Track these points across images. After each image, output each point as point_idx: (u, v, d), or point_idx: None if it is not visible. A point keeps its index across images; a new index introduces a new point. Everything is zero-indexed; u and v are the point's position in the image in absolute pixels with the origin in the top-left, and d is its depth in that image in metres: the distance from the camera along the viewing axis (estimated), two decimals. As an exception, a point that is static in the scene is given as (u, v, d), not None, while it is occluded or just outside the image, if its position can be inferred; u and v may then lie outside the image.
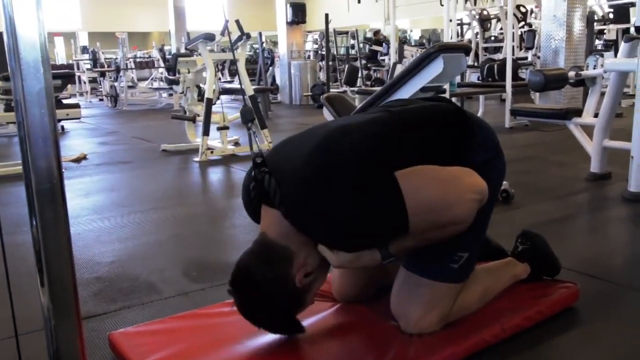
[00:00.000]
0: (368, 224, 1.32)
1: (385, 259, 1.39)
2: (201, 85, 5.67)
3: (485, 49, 9.45)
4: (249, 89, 5.31)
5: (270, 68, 11.00)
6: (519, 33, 9.07)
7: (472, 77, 8.57)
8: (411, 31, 20.21)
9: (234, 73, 11.36)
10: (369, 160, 1.35)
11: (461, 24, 12.02)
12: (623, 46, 3.47)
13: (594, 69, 3.84)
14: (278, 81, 10.85)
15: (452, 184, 1.40)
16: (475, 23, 9.49)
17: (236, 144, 5.49)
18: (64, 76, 5.72)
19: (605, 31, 9.82)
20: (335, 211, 1.30)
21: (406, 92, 2.33)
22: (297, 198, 1.33)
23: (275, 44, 12.72)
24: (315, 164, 1.35)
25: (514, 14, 7.91)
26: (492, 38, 10.06)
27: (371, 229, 1.33)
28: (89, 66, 12.31)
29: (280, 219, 1.36)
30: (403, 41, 12.39)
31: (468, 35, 11.23)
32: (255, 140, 1.55)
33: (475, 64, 8.66)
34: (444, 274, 1.52)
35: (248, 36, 5.33)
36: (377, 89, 3.07)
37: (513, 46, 7.32)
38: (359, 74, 9.89)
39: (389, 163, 1.36)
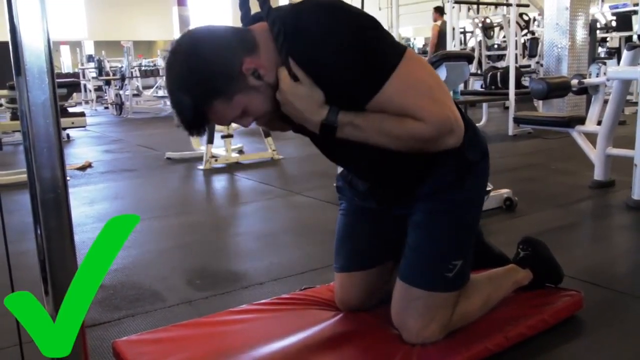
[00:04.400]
0: (355, 52, 1.24)
1: (327, 120, 1.29)
2: (205, 94, 5.68)
3: (489, 57, 9.45)
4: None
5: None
6: (522, 41, 9.08)
7: (475, 85, 8.57)
8: (414, 39, 20.25)
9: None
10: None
11: (464, 32, 12.03)
12: (626, 54, 3.48)
13: (597, 77, 3.84)
14: (282, 89, 10.84)
15: (445, 95, 1.34)
16: (478, 31, 9.50)
17: (240, 152, 5.50)
18: (70, 85, 5.74)
19: (608, 39, 9.84)
20: (330, 25, 1.24)
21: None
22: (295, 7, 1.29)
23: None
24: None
25: (517, 22, 7.91)
26: (495, 46, 10.06)
27: (353, 59, 1.25)
28: (94, 74, 12.37)
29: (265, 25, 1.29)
30: (406, 49, 12.38)
31: (471, 43, 11.24)
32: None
33: (479, 71, 8.66)
34: (439, 284, 1.51)
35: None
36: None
37: (516, 54, 7.33)
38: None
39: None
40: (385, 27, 1.38)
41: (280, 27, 1.26)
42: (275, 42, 1.27)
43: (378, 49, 1.28)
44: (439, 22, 8.16)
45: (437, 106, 1.29)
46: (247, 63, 1.26)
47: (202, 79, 1.24)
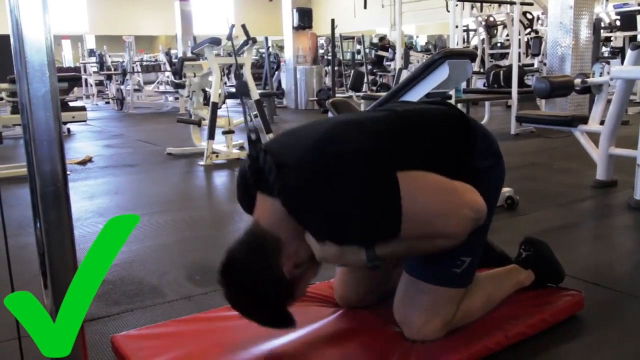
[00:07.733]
0: (361, 218, 1.30)
1: (370, 261, 1.36)
2: (207, 89, 5.69)
3: (492, 56, 9.43)
4: (255, 93, 5.32)
5: (276, 73, 11.02)
6: (525, 40, 9.06)
7: (478, 83, 8.56)
8: (417, 37, 20.20)
9: (240, 77, 11.36)
10: (372, 155, 1.34)
11: (467, 30, 12.00)
12: (629, 54, 3.46)
13: (600, 76, 3.83)
14: (284, 86, 10.86)
15: (451, 196, 1.39)
16: (481, 29, 9.48)
17: (241, 148, 5.49)
18: (71, 79, 5.73)
19: (612, 38, 9.80)
20: (331, 202, 1.29)
21: (412, 98, 2.34)
22: (296, 183, 1.31)
23: (281, 48, 12.74)
24: (318, 153, 1.34)
25: (521, 21, 7.89)
26: (499, 44, 10.05)
27: (362, 225, 1.31)
28: (95, 69, 12.35)
29: (274, 206, 1.33)
30: (409, 47, 12.39)
31: (474, 41, 11.22)
32: (250, 114, 1.54)
33: (481, 70, 8.64)
34: (446, 279, 1.51)
35: (254, 41, 5.35)
36: (383, 94, 3.08)
37: (519, 53, 7.32)
38: (365, 80, 9.89)
39: (391, 161, 1.35)
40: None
41: (294, 204, 1.31)
42: (294, 217, 1.33)
43: (380, 208, 1.31)
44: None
45: (454, 216, 1.36)
46: (286, 268, 1.35)
47: (263, 302, 1.38)
